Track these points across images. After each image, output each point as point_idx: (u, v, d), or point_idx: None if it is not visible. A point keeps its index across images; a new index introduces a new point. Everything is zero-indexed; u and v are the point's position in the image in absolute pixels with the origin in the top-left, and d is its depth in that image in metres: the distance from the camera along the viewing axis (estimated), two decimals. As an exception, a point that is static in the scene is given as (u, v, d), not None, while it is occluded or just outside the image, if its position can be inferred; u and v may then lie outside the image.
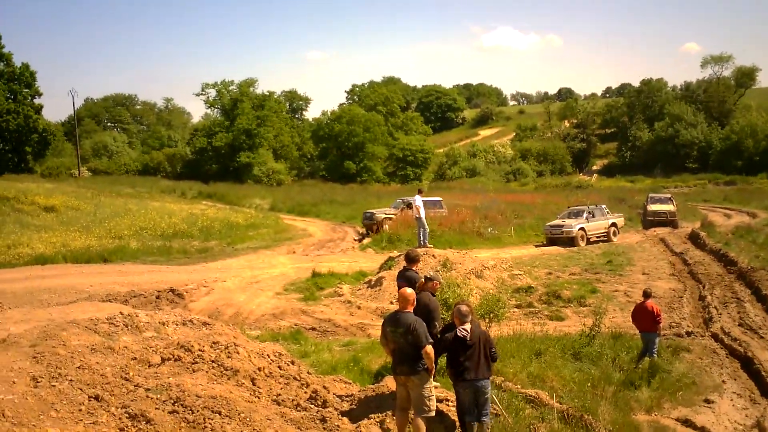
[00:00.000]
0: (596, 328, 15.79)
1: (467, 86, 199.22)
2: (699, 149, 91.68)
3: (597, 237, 38.97)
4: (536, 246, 37.84)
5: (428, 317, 10.22)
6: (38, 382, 9.22)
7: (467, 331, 9.78)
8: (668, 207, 45.78)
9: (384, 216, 41.01)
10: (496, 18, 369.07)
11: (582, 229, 37.93)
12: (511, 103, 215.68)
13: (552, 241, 37.92)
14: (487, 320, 15.78)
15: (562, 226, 38.24)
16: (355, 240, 39.81)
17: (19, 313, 14.04)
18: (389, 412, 10.22)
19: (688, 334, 18.20)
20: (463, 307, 10.12)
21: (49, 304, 19.36)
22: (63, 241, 32.89)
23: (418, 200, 26.64)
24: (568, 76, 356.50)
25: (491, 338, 10.25)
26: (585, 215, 39.06)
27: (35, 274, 26.43)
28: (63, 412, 8.67)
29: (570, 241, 37.27)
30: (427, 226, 26.96)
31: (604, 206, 41.94)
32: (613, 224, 40.26)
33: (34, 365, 9.67)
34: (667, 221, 44.85)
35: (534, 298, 22.67)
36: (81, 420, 8.61)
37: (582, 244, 37.27)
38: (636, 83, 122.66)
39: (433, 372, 9.50)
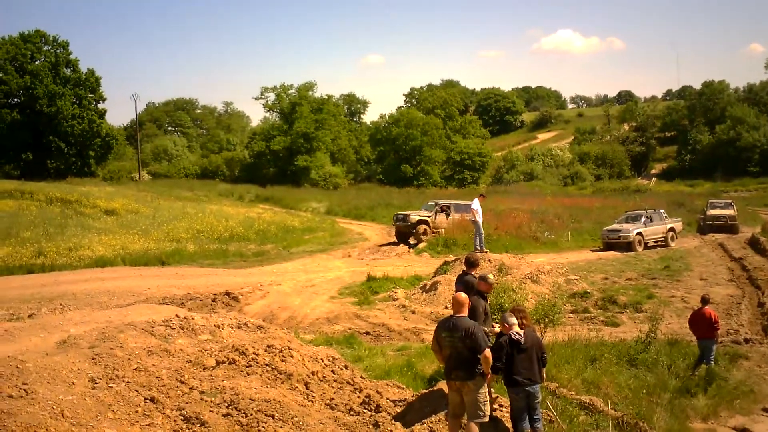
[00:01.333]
0: (652, 335, 15.49)
1: (526, 89, 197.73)
2: (761, 152, 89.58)
3: (655, 242, 38.10)
4: (593, 251, 37.33)
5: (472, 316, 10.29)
6: (96, 383, 9.38)
7: (521, 335, 9.76)
8: (728, 212, 44.74)
9: (419, 218, 39.02)
10: (556, 21, 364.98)
11: (639, 233, 37.22)
12: (570, 106, 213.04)
13: (609, 246, 37.21)
14: (542, 325, 15.65)
15: (619, 230, 37.51)
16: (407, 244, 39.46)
17: (78, 315, 14.30)
18: (442, 417, 10.20)
19: (747, 341, 17.78)
20: (507, 314, 10.21)
21: (107, 306, 19.70)
22: (122, 244, 33.49)
23: (475, 204, 26.48)
24: (629, 79, 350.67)
25: (542, 343, 10.25)
26: (643, 220, 38.42)
27: (95, 277, 26.95)
28: (120, 413, 8.81)
29: (627, 246, 36.39)
30: (482, 231, 26.85)
31: (662, 211, 41.03)
32: (671, 229, 39.52)
33: (92, 366, 9.84)
34: (726, 225, 43.66)
35: (590, 303, 22.38)
36: (137, 422, 8.74)
37: (639, 249, 36.52)
38: (697, 85, 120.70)
39: (489, 376, 9.46)
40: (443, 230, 38.68)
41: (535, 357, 9.83)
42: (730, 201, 48.78)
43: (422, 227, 38.30)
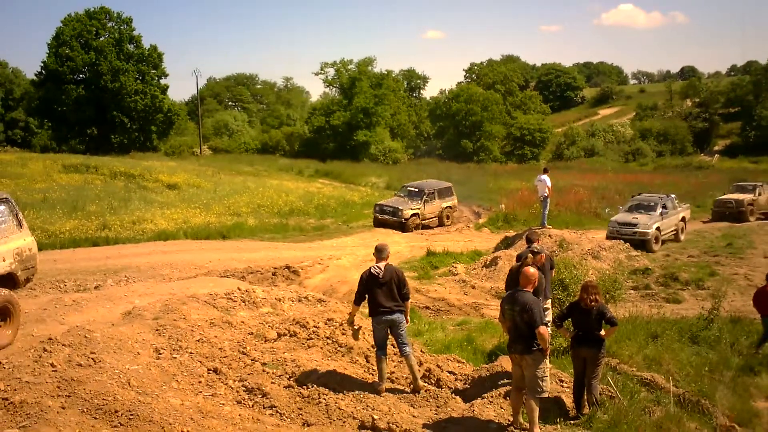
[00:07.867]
0: (715, 312, 15.23)
1: (587, 65, 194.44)
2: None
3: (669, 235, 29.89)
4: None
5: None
6: (160, 353, 9.55)
7: (380, 269, 10.30)
8: (742, 196, 36.73)
9: (411, 212, 34.88)
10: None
11: (658, 228, 28.40)
12: (632, 81, 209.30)
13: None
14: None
15: (635, 224, 28.15)
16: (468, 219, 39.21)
17: (142, 287, 14.57)
18: (502, 392, 10.18)
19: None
20: (589, 285, 10.43)
21: (170, 279, 19.97)
22: (184, 217, 33.86)
23: (546, 179, 26.05)
24: (692, 54, 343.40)
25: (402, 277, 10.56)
26: (659, 210, 29.31)
27: (158, 250, 27.31)
28: (184, 383, 8.95)
29: (642, 245, 27.32)
30: (548, 206, 26.61)
31: (673, 196, 31.61)
32: (683, 219, 31.06)
33: (156, 337, 10.01)
34: (734, 212, 35.80)
35: (651, 280, 22.09)
36: (200, 392, 8.87)
37: (656, 248, 27.83)
38: (763, 60, 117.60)
39: (548, 352, 9.41)
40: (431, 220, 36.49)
41: (394, 289, 10.20)
42: (760, 183, 39.67)
43: (414, 220, 35.13)
